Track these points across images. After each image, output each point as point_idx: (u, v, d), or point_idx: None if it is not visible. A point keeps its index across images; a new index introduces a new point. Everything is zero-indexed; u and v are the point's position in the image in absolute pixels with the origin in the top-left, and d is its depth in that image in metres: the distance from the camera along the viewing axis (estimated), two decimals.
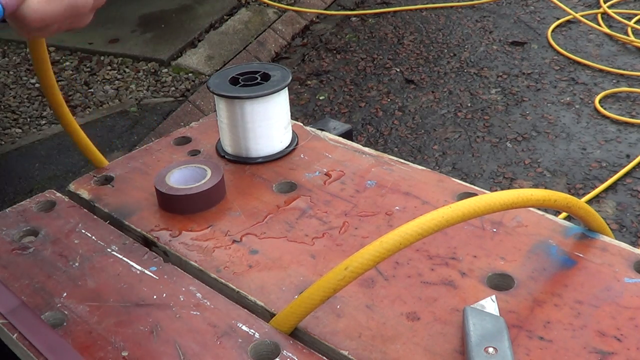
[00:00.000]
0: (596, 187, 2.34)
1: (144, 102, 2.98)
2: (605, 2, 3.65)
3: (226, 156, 0.90)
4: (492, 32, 3.57)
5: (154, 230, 0.77)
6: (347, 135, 0.99)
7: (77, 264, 0.72)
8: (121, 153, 2.57)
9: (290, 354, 0.59)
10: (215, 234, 0.76)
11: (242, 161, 0.89)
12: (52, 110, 0.84)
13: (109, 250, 0.74)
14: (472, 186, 0.79)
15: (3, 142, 2.74)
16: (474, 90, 3.05)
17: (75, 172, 2.47)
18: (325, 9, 4.00)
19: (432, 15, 3.83)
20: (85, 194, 0.85)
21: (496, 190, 0.65)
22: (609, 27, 3.46)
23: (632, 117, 2.72)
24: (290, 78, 0.88)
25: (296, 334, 0.62)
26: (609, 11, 3.55)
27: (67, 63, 3.31)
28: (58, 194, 0.85)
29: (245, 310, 0.65)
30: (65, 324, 0.64)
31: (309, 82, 3.25)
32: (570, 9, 3.61)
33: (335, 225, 0.76)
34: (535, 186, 2.40)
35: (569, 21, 3.58)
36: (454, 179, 0.81)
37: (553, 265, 0.67)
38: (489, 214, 0.59)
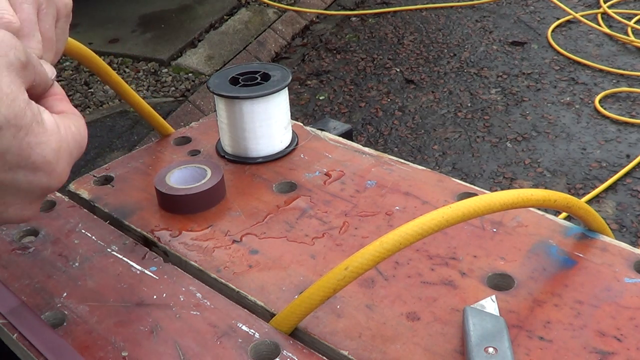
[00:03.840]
0: (596, 187, 2.35)
1: None
2: (605, 2, 3.65)
3: (226, 156, 0.90)
4: (492, 32, 3.57)
5: (154, 230, 0.77)
6: (347, 135, 0.99)
7: (77, 264, 0.72)
8: (121, 153, 2.57)
9: (290, 354, 0.59)
10: (215, 234, 0.76)
11: (242, 161, 0.89)
12: (114, 89, 0.89)
13: (109, 250, 0.74)
14: (472, 186, 0.80)
15: None
16: (474, 90, 3.05)
17: (75, 172, 2.46)
18: (325, 9, 4.00)
19: (432, 15, 3.83)
20: (85, 194, 0.85)
21: (496, 190, 0.65)
22: (609, 27, 3.47)
23: (632, 117, 2.73)
24: (290, 78, 0.88)
25: (296, 334, 0.62)
26: (609, 11, 3.55)
27: (67, 63, 3.31)
28: (58, 194, 0.85)
29: (245, 310, 0.65)
30: (65, 324, 0.64)
31: (309, 82, 3.25)
32: (570, 9, 3.61)
33: (335, 225, 0.76)
34: (535, 186, 2.40)
35: (569, 21, 3.58)
36: (454, 179, 0.81)
37: (553, 265, 0.67)
38: (489, 214, 0.59)
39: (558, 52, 3.28)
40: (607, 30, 3.41)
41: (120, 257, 0.73)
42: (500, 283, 0.66)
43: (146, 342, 0.61)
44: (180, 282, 0.69)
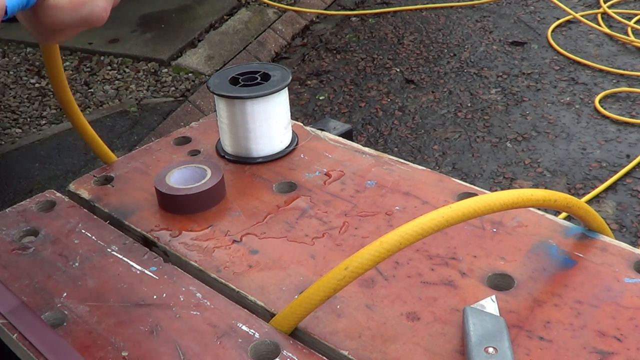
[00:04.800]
0: (596, 187, 2.35)
1: (144, 102, 2.98)
2: (605, 2, 3.65)
3: (226, 156, 0.90)
4: (492, 32, 3.57)
5: (154, 230, 0.77)
6: (347, 135, 0.99)
7: (77, 264, 0.72)
8: (121, 153, 2.57)
9: (290, 354, 0.59)
10: (215, 234, 0.76)
11: (242, 161, 0.89)
12: (61, 105, 0.84)
13: (109, 250, 0.74)
14: (472, 186, 0.80)
15: (3, 142, 2.74)
16: (474, 90, 3.05)
17: (75, 172, 2.47)
18: (325, 9, 4.00)
19: (432, 15, 3.83)
20: (85, 194, 0.85)
21: (496, 190, 0.65)
22: (609, 27, 3.47)
23: (632, 117, 2.72)
24: (290, 78, 0.88)
25: (296, 334, 0.62)
26: (609, 11, 3.55)
27: (67, 63, 3.32)
28: (58, 194, 0.85)
29: (245, 310, 0.65)
30: (65, 324, 0.64)
31: (309, 82, 3.25)
32: (570, 9, 3.61)
33: (335, 225, 0.76)
34: (535, 186, 2.40)
35: (569, 21, 3.58)
36: (454, 179, 0.81)
37: (553, 265, 0.67)
38: (489, 214, 0.59)
39: (558, 52, 3.27)
40: (607, 30, 3.41)
41: (120, 257, 0.73)
42: (500, 283, 0.66)
43: (146, 342, 0.61)
44: (180, 282, 0.69)
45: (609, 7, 3.60)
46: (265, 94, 0.85)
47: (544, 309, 0.62)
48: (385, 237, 0.56)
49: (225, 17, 3.71)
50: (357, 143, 0.92)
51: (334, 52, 3.52)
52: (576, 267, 0.66)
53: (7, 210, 0.83)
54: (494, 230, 0.72)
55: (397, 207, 0.78)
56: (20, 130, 2.83)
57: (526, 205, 0.62)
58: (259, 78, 0.89)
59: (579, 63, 3.16)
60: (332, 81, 3.25)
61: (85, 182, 0.88)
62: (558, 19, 3.59)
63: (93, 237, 0.76)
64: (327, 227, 0.75)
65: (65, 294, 0.68)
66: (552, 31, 3.47)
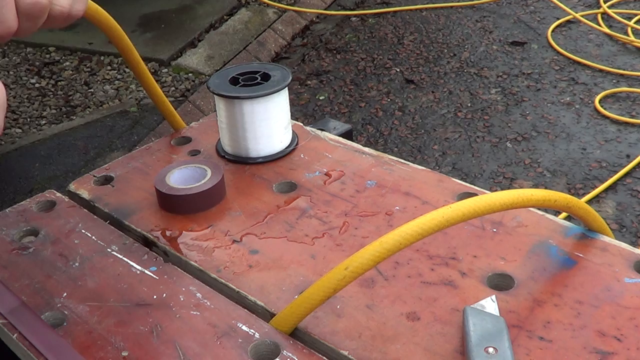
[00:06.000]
0: (596, 187, 2.34)
1: (144, 102, 2.98)
2: (605, 2, 3.65)
3: (226, 156, 0.90)
4: (492, 32, 3.57)
5: (154, 230, 0.77)
6: (347, 135, 0.99)
7: (77, 264, 0.72)
8: (121, 153, 2.57)
9: (290, 354, 0.59)
10: (215, 234, 0.76)
11: (242, 161, 0.89)
12: (135, 75, 0.93)
13: (109, 250, 0.74)
14: (472, 186, 0.80)
15: (3, 142, 2.74)
16: (474, 90, 3.05)
17: (75, 172, 2.47)
18: (325, 9, 4.00)
19: (432, 15, 3.83)
20: (85, 194, 0.85)
21: (496, 190, 0.65)
22: (609, 27, 3.46)
23: (632, 117, 2.72)
24: (290, 78, 0.89)
25: (296, 334, 0.62)
26: (609, 11, 3.55)
27: (67, 63, 3.31)
28: (58, 194, 0.85)
29: (245, 310, 0.65)
30: (65, 324, 0.64)
31: (309, 82, 3.25)
32: (570, 9, 3.61)
33: (335, 225, 0.76)
34: (535, 186, 2.40)
35: (569, 21, 3.58)
36: (454, 179, 0.81)
37: (553, 265, 0.67)
38: (489, 214, 0.59)
39: (558, 52, 3.27)
40: (607, 30, 3.41)
41: (120, 257, 0.73)
42: (500, 283, 0.66)
43: (146, 342, 0.61)
44: (180, 282, 0.69)
45: (609, 7, 3.60)
46: (265, 94, 0.85)
47: (544, 309, 0.62)
48: (385, 237, 0.56)
49: (225, 17, 3.71)
50: (357, 143, 0.92)
51: (334, 52, 3.52)
52: (576, 267, 0.66)
53: (7, 210, 0.83)
54: (494, 230, 0.72)
55: (397, 207, 0.78)
56: (20, 130, 2.83)
57: (526, 205, 0.62)
58: (259, 78, 0.89)
59: (579, 63, 3.16)
60: (332, 81, 3.25)
61: (85, 182, 0.88)
62: (558, 19, 3.58)
63: (93, 237, 0.76)
64: (327, 227, 0.75)
65: (65, 294, 0.68)
66: (552, 31, 3.47)
